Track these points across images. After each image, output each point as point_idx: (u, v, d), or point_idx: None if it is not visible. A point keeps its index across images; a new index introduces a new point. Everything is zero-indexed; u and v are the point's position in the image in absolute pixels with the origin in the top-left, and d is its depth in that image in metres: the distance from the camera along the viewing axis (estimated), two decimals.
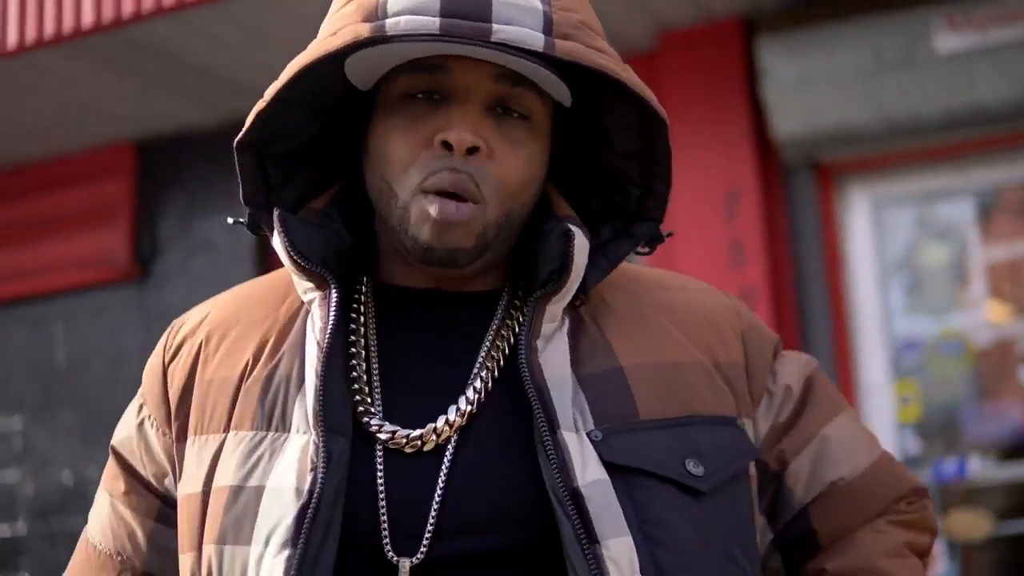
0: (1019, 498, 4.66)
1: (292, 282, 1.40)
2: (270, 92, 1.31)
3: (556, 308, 1.34)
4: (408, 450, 1.26)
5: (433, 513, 1.23)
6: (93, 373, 5.88)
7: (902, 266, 5.00)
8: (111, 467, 1.47)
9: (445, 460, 1.25)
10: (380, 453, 1.26)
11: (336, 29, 1.28)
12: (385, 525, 1.22)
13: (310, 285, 1.34)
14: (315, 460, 1.22)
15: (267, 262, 5.74)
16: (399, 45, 1.25)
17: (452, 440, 1.27)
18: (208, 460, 1.31)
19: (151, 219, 5.91)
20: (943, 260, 4.95)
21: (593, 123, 1.41)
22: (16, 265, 6.11)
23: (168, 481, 1.40)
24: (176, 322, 1.47)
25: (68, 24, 4.75)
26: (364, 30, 1.26)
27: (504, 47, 1.24)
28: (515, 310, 1.38)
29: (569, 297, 1.34)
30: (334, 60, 1.29)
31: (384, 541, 1.22)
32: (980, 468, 4.66)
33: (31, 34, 4.81)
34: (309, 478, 1.21)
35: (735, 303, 1.49)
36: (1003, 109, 4.51)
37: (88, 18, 4.71)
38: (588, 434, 1.26)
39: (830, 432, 1.45)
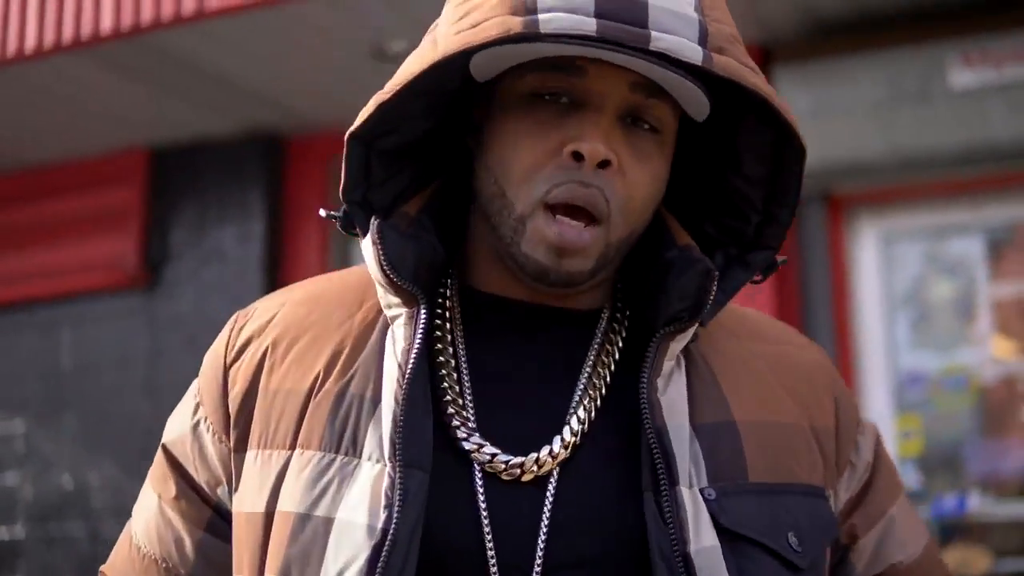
0: (1019, 536, 4.65)
1: (368, 285, 1.32)
2: (398, 82, 1.21)
3: (677, 346, 1.26)
4: (505, 477, 1.19)
5: (541, 548, 1.16)
6: (98, 379, 5.88)
7: (909, 300, 5.00)
8: (161, 465, 1.37)
9: (549, 493, 1.19)
10: (480, 478, 1.19)
11: (478, 20, 1.18)
12: (493, 558, 1.16)
13: (396, 301, 1.25)
14: (390, 496, 1.14)
15: (277, 274, 5.74)
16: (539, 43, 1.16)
17: (554, 473, 1.20)
18: (272, 479, 1.22)
19: (162, 226, 5.91)
20: (950, 295, 4.95)
21: (722, 144, 1.33)
22: (25, 268, 6.12)
23: (222, 490, 1.31)
24: (240, 316, 1.38)
25: (87, 29, 4.77)
26: (515, 24, 1.15)
27: (661, 57, 1.15)
28: (614, 333, 1.31)
29: (690, 336, 1.27)
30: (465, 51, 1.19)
31: (493, 574, 1.16)
32: (980, 505, 4.66)
33: (49, 38, 4.84)
34: (383, 516, 1.13)
35: (829, 364, 1.43)
36: (1016, 146, 4.51)
37: (107, 24, 4.73)
38: (701, 491, 1.20)
39: (895, 513, 1.41)
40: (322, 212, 1.32)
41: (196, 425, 1.33)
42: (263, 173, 5.82)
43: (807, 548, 1.24)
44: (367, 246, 1.25)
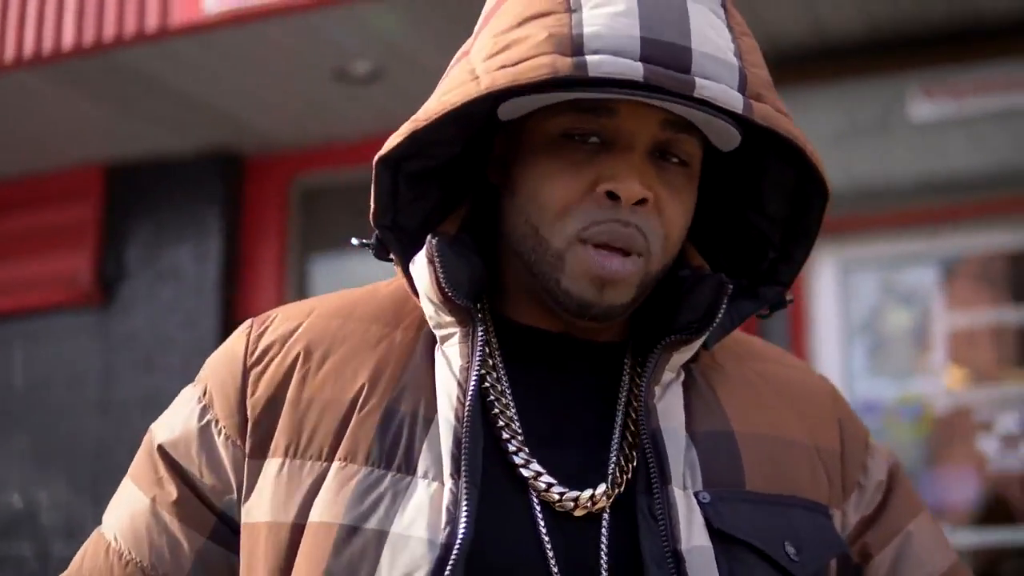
0: (973, 565, 4.67)
1: (402, 302, 1.32)
2: (434, 111, 1.20)
3: (680, 358, 1.28)
4: (557, 508, 1.20)
5: None
6: (50, 397, 5.82)
7: (866, 329, 5.03)
8: (156, 469, 1.32)
9: (604, 530, 1.19)
10: (538, 507, 1.19)
11: (524, 56, 1.17)
12: None
13: (450, 319, 1.24)
14: (452, 512, 1.14)
15: (234, 294, 5.71)
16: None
17: (607, 510, 1.20)
18: (304, 490, 1.20)
19: (118, 244, 5.87)
20: (906, 325, 4.98)
21: (747, 181, 1.34)
22: None
23: (230, 499, 1.27)
24: (256, 323, 1.35)
25: (48, 45, 4.74)
26: (564, 65, 1.14)
27: (704, 104, 1.16)
28: (640, 367, 1.30)
29: (694, 350, 1.29)
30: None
31: None
32: None
33: (10, 53, 4.80)
34: (446, 531, 1.13)
35: (833, 388, 1.44)
36: (974, 178, 4.57)
37: (68, 40, 4.70)
38: (696, 495, 1.21)
39: (912, 529, 1.39)
40: (354, 241, 1.33)
41: (205, 428, 1.29)
42: (221, 192, 5.79)
43: (805, 559, 1.24)
44: (421, 265, 1.24)
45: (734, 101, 1.17)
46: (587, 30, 1.16)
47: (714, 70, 1.17)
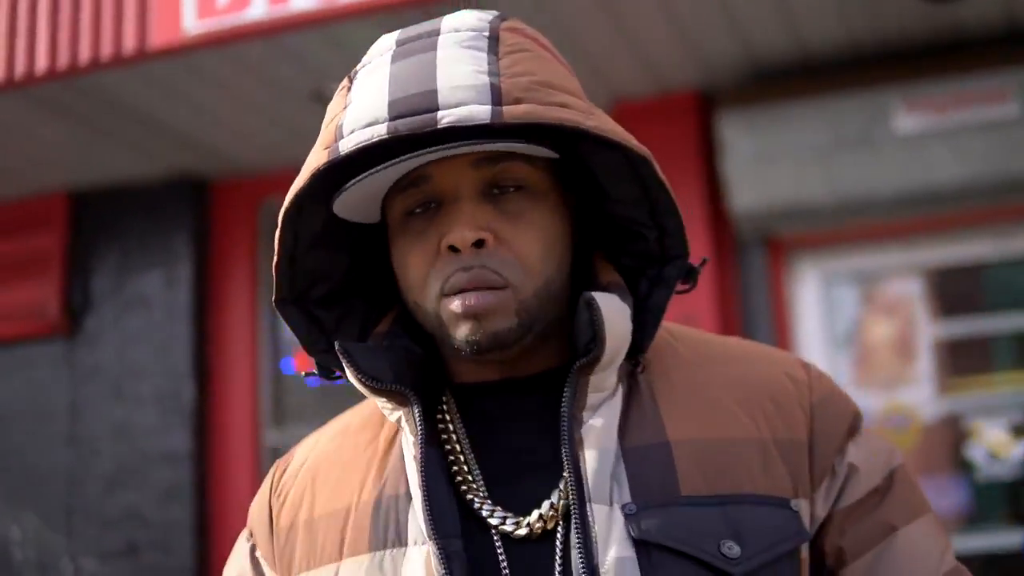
0: None
1: None
2: (276, 243, 1.35)
3: (601, 378, 1.32)
4: (516, 536, 1.29)
5: None
6: (18, 430, 5.70)
7: (850, 340, 5.07)
8: None
9: (557, 544, 1.27)
10: (498, 540, 1.29)
11: (306, 163, 1.32)
12: None
13: (391, 405, 1.36)
14: (439, 569, 1.24)
15: (205, 320, 5.63)
16: (371, 178, 1.29)
17: (559, 524, 1.28)
18: None
19: (84, 272, 5.77)
20: (891, 336, 5.03)
21: (589, 179, 1.41)
22: None
23: None
24: (280, 462, 1.53)
25: (21, 70, 4.65)
26: (323, 157, 1.29)
27: (458, 132, 1.26)
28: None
29: (616, 364, 1.33)
30: (331, 191, 1.33)
31: None
32: None
33: None
34: None
35: (810, 376, 1.43)
36: (957, 190, 4.63)
37: (42, 64, 4.61)
38: (623, 507, 1.26)
39: (900, 537, 1.35)
40: (303, 374, 1.46)
41: (255, 562, 1.47)
42: (189, 217, 5.72)
43: (748, 554, 1.26)
44: (346, 370, 1.36)
45: (481, 115, 1.25)
46: (346, 118, 1.29)
47: (461, 96, 1.26)
